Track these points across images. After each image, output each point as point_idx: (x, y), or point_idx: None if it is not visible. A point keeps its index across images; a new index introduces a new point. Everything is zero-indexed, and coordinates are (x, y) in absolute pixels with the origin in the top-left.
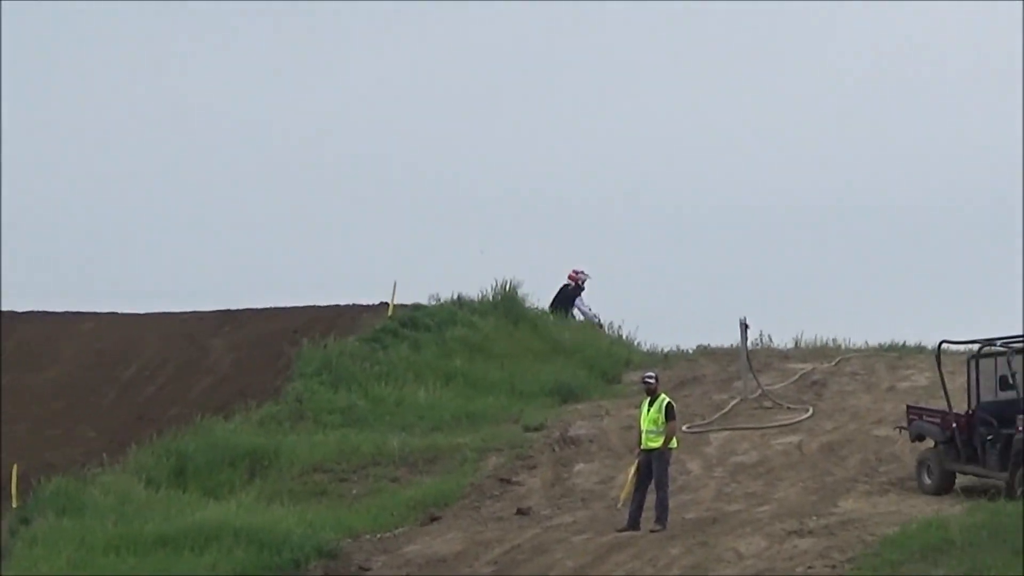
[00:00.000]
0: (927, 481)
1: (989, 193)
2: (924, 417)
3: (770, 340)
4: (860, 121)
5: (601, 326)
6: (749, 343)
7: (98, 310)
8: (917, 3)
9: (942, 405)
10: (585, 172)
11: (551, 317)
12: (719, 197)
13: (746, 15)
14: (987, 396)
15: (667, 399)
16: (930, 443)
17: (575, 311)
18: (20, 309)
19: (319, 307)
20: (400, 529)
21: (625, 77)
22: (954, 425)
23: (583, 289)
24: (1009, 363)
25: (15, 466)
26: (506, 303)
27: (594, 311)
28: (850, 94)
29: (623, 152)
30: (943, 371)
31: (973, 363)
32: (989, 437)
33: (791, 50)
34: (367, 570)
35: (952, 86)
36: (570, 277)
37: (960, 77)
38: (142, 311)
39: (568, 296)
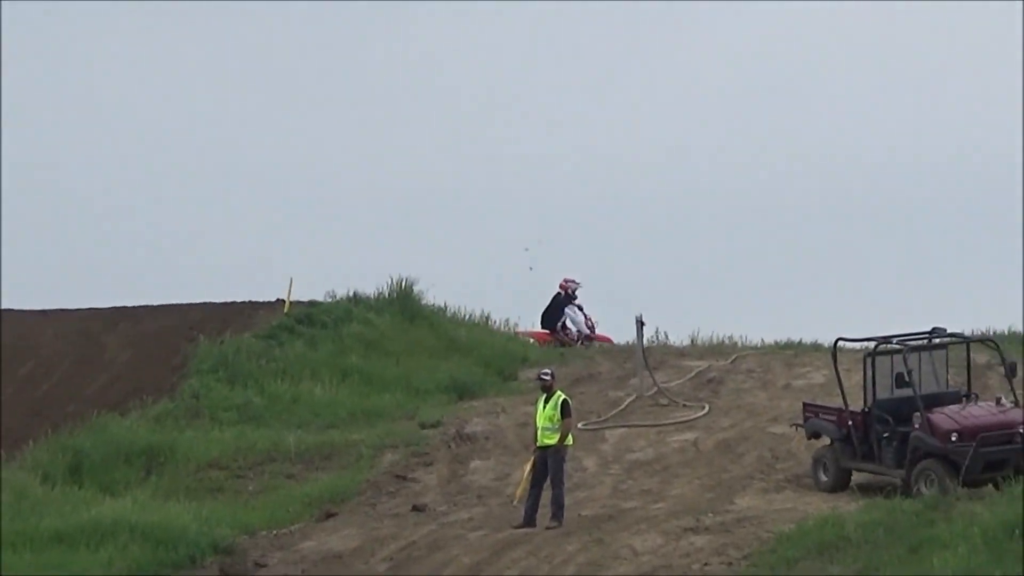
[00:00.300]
0: (823, 478)
1: (884, 191)
2: (820, 415)
3: (666, 337)
4: (744, 115)
5: (590, 336)
6: (645, 340)
7: None
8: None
9: (838, 403)
10: (486, 165)
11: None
12: (612, 192)
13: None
14: (883, 394)
15: (563, 396)
16: (826, 441)
17: (566, 320)
18: None
19: (215, 304)
20: (296, 525)
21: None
22: (850, 423)
23: (574, 298)
24: (905, 360)
25: None
26: (402, 300)
27: (582, 319)
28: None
29: (518, 145)
30: (839, 369)
31: (869, 361)
32: (885, 435)
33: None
34: (263, 566)
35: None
36: (561, 286)
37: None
38: (38, 308)
39: (559, 305)
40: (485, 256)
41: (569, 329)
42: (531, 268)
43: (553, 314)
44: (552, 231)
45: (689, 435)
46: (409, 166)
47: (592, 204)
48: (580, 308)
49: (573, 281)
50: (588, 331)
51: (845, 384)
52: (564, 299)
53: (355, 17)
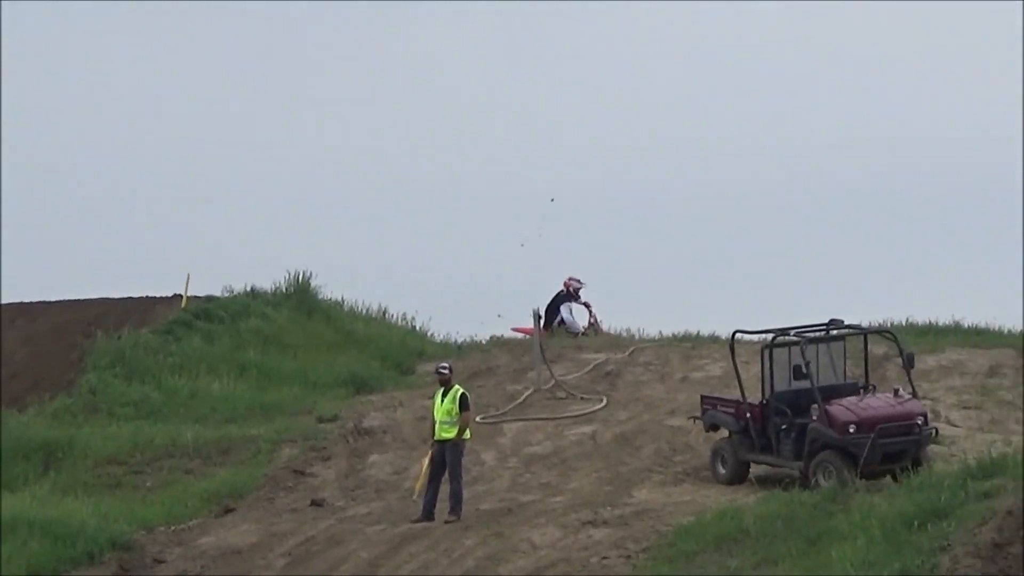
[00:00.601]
0: (721, 471)
1: (783, 184)
2: (718, 407)
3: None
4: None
5: (587, 332)
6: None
7: None
8: None
9: (736, 395)
10: (382, 160)
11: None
12: (507, 183)
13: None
14: (781, 386)
15: (461, 390)
16: (724, 433)
17: (561, 317)
18: None
19: (112, 299)
20: (194, 521)
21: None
22: (748, 415)
23: (576, 297)
24: (803, 352)
25: None
26: (299, 294)
27: (579, 318)
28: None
29: (413, 142)
30: (737, 361)
31: (767, 353)
32: (783, 427)
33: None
34: (162, 562)
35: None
36: (564, 284)
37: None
38: None
39: (558, 302)
40: (385, 249)
41: (567, 325)
42: (522, 244)
43: (553, 311)
44: (447, 225)
45: (587, 428)
46: (306, 159)
47: (491, 193)
48: (587, 305)
49: (576, 280)
50: (592, 326)
51: (743, 376)
52: (564, 297)
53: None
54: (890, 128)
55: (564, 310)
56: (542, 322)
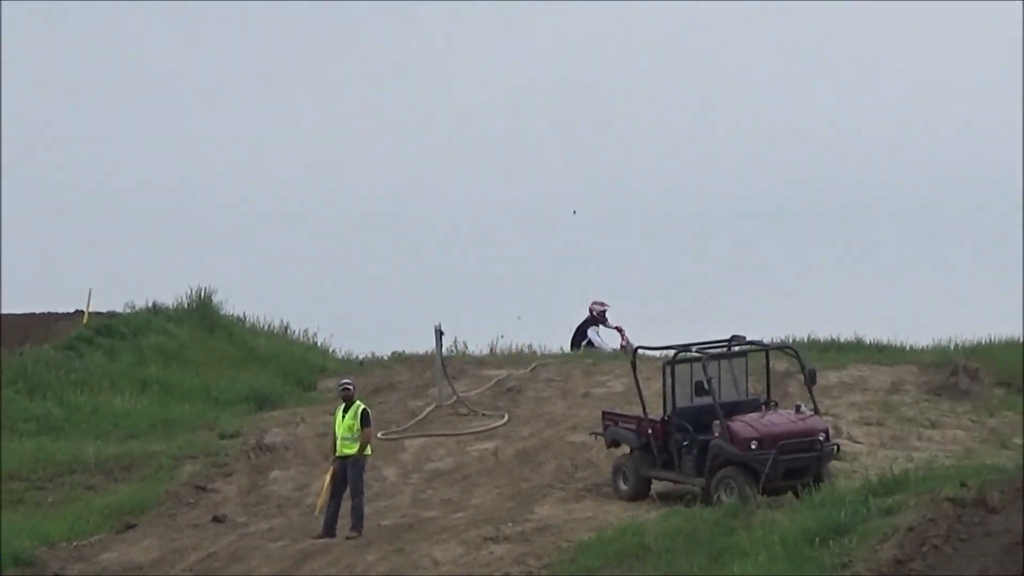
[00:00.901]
0: (623, 487)
1: (685, 198)
2: (620, 423)
3: (465, 347)
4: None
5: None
6: (444, 350)
7: None
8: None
9: (638, 411)
10: (283, 175)
11: (576, 350)
12: (411, 202)
13: None
14: (683, 402)
15: (362, 406)
16: (626, 449)
17: (590, 341)
18: None
19: (14, 315)
20: (96, 537)
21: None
22: (650, 431)
23: (603, 320)
24: (705, 369)
25: None
26: (201, 310)
27: (609, 341)
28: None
29: (314, 157)
30: (639, 377)
31: (669, 369)
32: (685, 443)
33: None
34: None
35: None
36: (589, 309)
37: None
38: None
39: (587, 326)
40: (286, 265)
41: (597, 348)
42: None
43: (579, 336)
44: (349, 240)
45: (489, 444)
46: (207, 174)
47: (394, 213)
48: (619, 329)
49: (599, 304)
50: (624, 348)
51: (645, 392)
52: (590, 321)
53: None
54: (792, 144)
55: (591, 333)
56: (580, 345)
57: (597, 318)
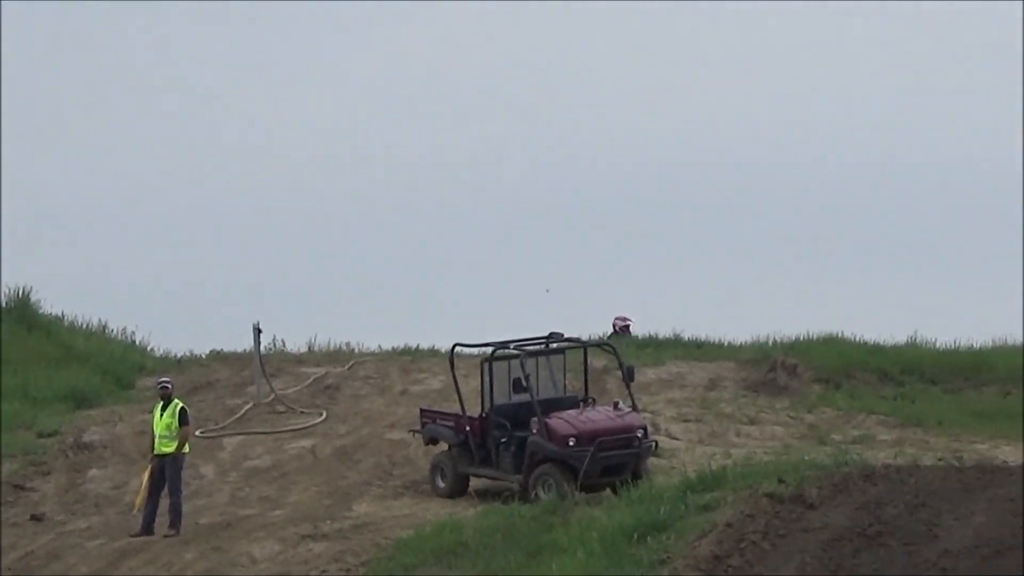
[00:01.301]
0: (441, 484)
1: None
2: (438, 420)
3: (283, 345)
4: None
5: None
6: (262, 347)
7: None
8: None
9: (456, 408)
10: (93, 174)
11: None
12: (228, 200)
13: None
14: (501, 399)
15: (180, 404)
16: (444, 446)
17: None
18: None
19: None
20: None
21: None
22: (468, 428)
23: (625, 334)
24: (523, 366)
25: None
26: (19, 309)
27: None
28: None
29: (113, 156)
30: (456, 374)
31: (487, 366)
32: (503, 440)
33: None
34: None
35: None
36: (612, 324)
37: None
38: None
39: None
40: (104, 263)
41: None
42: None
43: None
44: (166, 238)
45: (307, 442)
46: (23, 169)
47: (211, 212)
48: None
49: (621, 319)
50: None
51: (463, 390)
52: (613, 336)
53: None
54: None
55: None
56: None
57: (621, 332)
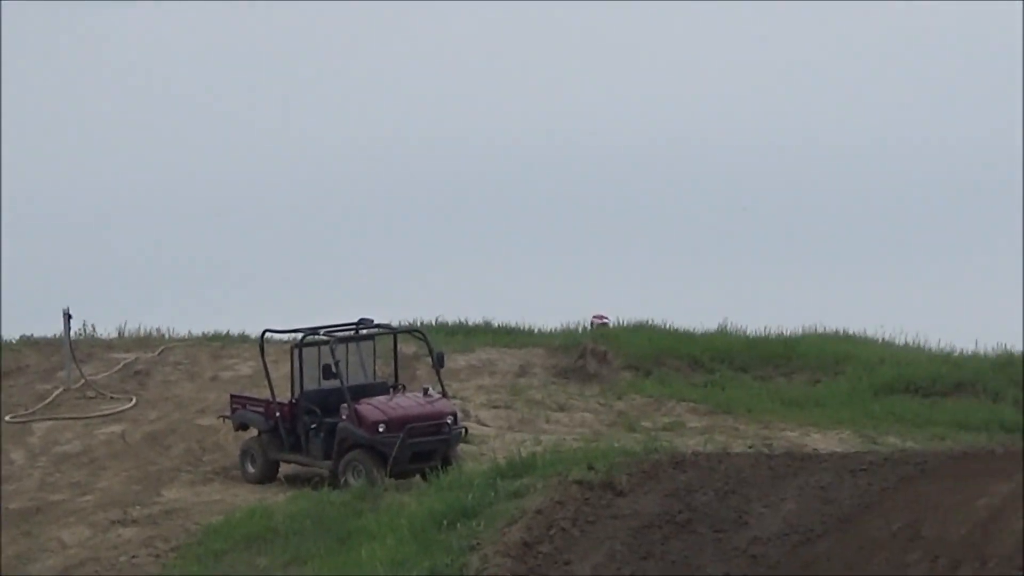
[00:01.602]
0: (251, 470)
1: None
2: (248, 406)
3: (93, 330)
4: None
5: None
6: (72, 333)
7: None
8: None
9: (266, 394)
10: None
11: None
12: (40, 187)
13: None
14: (311, 385)
15: None
16: (254, 432)
17: None
18: None
19: None
20: None
21: None
22: (278, 414)
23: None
24: (332, 352)
25: None
26: None
27: None
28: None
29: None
30: (267, 360)
31: (297, 352)
32: (313, 426)
33: None
34: None
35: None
36: (591, 322)
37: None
38: None
39: None
40: None
41: None
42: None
43: None
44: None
45: (116, 427)
46: None
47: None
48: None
49: (598, 317)
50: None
51: (273, 375)
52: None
53: None
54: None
55: None
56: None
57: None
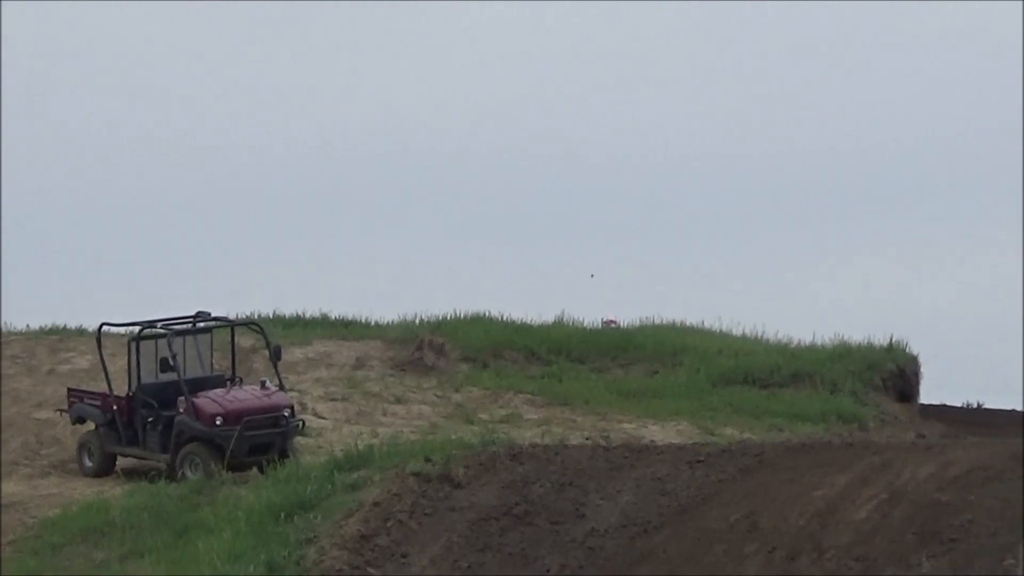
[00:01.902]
0: (88, 463)
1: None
2: (85, 399)
3: None
4: None
5: None
6: None
7: None
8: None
9: (104, 388)
10: None
11: None
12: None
13: None
14: (148, 378)
15: None
16: (91, 426)
17: None
18: None
19: None
20: None
21: None
22: (115, 407)
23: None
24: (170, 345)
25: None
26: None
27: None
28: None
29: None
30: (104, 354)
31: (134, 345)
32: (150, 419)
33: None
34: None
35: None
36: (603, 322)
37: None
38: None
39: None
40: None
41: None
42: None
43: None
44: None
45: None
46: None
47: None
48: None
49: (608, 320)
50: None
51: (111, 369)
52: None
53: None
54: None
55: None
56: None
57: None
